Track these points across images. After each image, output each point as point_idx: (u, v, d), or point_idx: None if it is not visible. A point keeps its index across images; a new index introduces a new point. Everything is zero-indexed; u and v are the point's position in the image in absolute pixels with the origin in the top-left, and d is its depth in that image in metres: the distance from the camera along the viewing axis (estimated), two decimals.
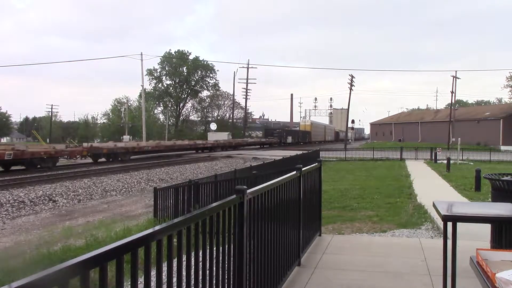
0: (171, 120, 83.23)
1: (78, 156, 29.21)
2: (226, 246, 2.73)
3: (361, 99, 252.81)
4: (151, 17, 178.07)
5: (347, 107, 61.10)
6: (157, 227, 1.89)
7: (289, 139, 66.99)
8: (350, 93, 57.47)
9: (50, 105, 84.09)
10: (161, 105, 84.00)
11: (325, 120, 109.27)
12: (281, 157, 21.67)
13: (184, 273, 2.15)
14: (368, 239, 6.62)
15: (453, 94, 56.17)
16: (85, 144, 33.51)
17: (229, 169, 21.55)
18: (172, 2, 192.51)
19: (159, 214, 11.64)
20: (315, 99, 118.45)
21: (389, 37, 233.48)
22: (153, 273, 1.88)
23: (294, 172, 4.67)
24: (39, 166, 24.31)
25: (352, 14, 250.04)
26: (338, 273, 4.65)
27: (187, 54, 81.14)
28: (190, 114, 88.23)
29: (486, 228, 5.22)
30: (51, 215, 14.10)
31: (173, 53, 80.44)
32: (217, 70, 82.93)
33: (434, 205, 3.59)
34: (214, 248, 2.54)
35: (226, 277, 2.75)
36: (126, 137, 57.87)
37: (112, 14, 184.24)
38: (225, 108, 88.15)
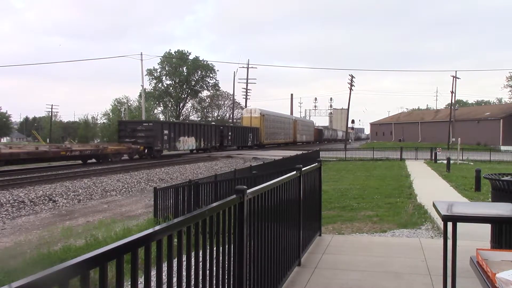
0: (171, 120, 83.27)
1: None
2: (226, 246, 2.72)
3: (361, 99, 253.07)
4: (151, 17, 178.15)
5: (347, 107, 61.16)
6: (157, 227, 1.89)
7: (190, 144, 34.28)
8: (350, 93, 57.52)
9: (50, 105, 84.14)
10: (161, 105, 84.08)
11: (325, 120, 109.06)
12: (281, 157, 21.71)
13: (184, 273, 2.15)
14: (368, 239, 6.61)
15: (453, 94, 56.26)
16: None
17: (229, 169, 21.55)
18: (172, 2, 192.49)
19: (159, 214, 11.63)
20: (315, 99, 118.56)
21: (389, 37, 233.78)
22: (153, 273, 1.88)
23: (294, 172, 4.67)
24: None
25: (352, 14, 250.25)
26: (338, 273, 4.65)
27: (187, 54, 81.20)
28: (190, 114, 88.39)
29: (486, 228, 5.22)
30: (51, 215, 14.09)
31: (173, 53, 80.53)
32: (217, 70, 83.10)
33: (434, 205, 3.58)
34: (214, 248, 2.54)
35: (226, 277, 2.75)
36: None
37: (112, 14, 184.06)
38: (225, 108, 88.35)
